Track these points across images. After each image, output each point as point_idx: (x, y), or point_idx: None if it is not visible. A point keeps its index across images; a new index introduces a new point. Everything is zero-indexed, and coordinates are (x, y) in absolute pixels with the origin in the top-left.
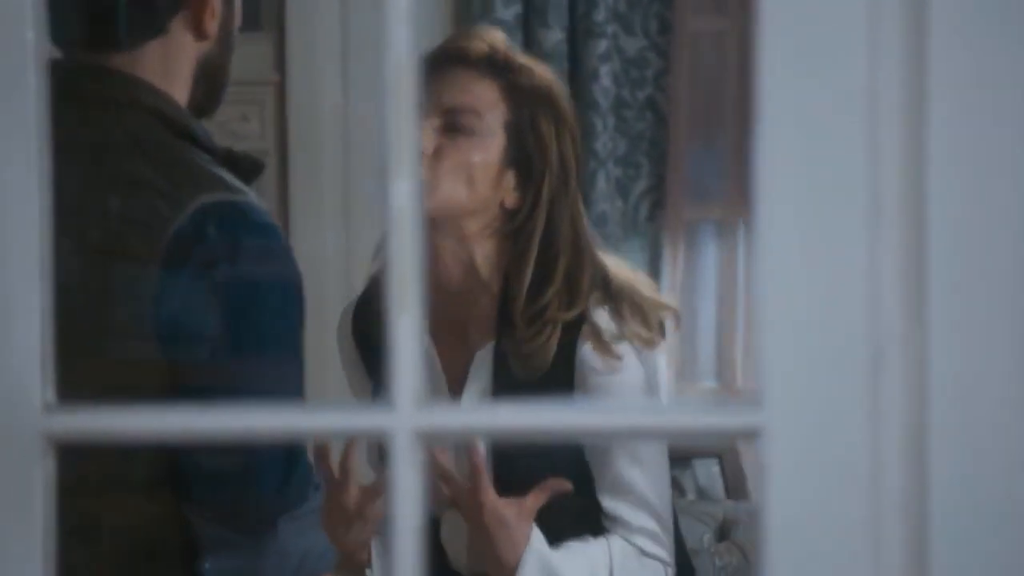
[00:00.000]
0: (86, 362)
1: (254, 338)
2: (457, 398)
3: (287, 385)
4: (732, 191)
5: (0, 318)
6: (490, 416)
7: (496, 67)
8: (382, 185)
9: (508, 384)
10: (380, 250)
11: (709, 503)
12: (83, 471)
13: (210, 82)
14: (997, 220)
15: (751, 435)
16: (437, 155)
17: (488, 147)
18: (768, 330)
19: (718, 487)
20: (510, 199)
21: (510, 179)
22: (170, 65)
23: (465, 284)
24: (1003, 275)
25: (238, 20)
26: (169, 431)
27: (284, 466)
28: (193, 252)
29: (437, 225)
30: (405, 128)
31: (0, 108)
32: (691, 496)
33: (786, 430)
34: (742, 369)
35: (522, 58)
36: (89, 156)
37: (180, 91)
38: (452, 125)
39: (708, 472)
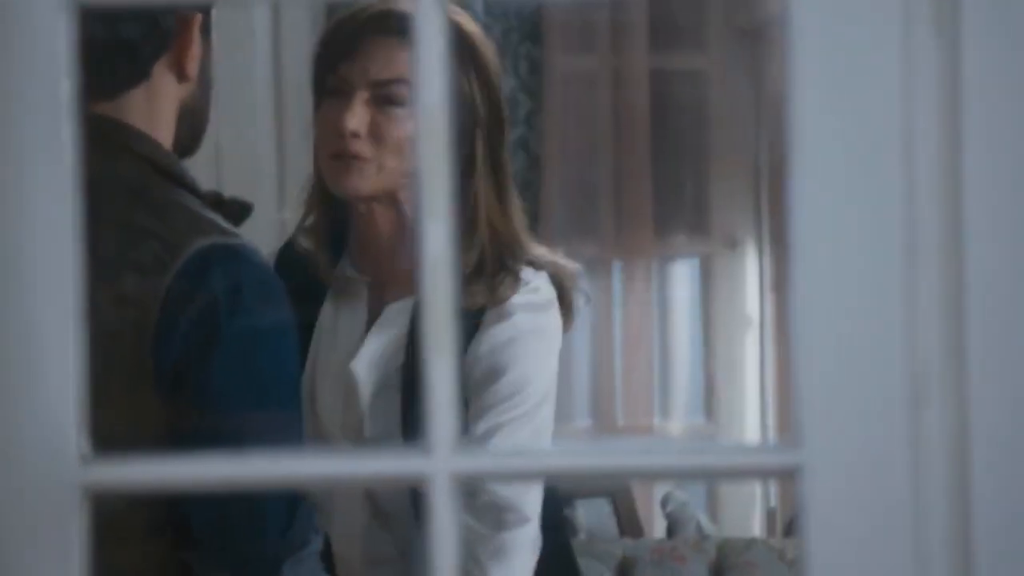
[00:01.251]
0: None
1: (255, 384)
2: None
3: (288, 431)
4: (605, 229)
5: (36, 370)
6: (526, 459)
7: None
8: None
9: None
10: (306, 199)
11: (607, 542)
12: None
13: (192, 123)
14: None
15: (791, 474)
16: (374, 133)
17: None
18: (805, 369)
19: (610, 525)
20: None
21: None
22: (154, 110)
23: (397, 240)
24: None
25: (215, 60)
26: (204, 479)
27: (287, 510)
28: (192, 297)
29: (378, 198)
30: (439, 173)
31: (37, 159)
32: (582, 535)
33: (826, 469)
34: (620, 407)
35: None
36: (86, 205)
37: (165, 135)
38: (384, 98)
39: (599, 511)
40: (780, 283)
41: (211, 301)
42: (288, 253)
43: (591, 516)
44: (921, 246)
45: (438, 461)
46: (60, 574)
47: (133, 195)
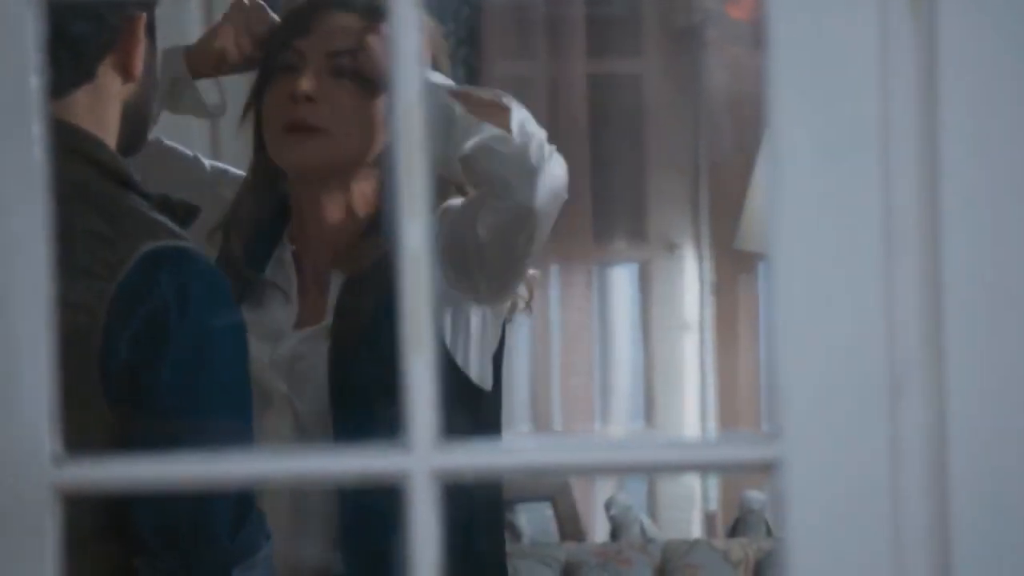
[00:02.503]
0: None
1: (205, 387)
2: (306, 328)
3: (239, 433)
4: None
5: (8, 370)
6: (508, 455)
7: (378, 14)
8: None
9: (352, 312)
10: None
11: (549, 545)
12: None
13: (135, 123)
14: (1013, 246)
15: (769, 467)
16: (328, 100)
17: (374, 89)
18: (785, 362)
19: (551, 528)
20: (387, 136)
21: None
22: (100, 110)
23: (338, 223)
24: (1021, 301)
25: (158, 58)
26: (176, 479)
27: (235, 514)
28: (140, 300)
29: (328, 178)
30: (416, 169)
31: (5, 159)
32: (525, 540)
33: (805, 462)
34: (559, 411)
35: None
36: None
37: (110, 135)
38: (338, 69)
39: (540, 515)
40: (721, 287)
41: (160, 304)
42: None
43: (532, 520)
44: (898, 237)
45: (419, 458)
46: (34, 575)
47: (79, 198)
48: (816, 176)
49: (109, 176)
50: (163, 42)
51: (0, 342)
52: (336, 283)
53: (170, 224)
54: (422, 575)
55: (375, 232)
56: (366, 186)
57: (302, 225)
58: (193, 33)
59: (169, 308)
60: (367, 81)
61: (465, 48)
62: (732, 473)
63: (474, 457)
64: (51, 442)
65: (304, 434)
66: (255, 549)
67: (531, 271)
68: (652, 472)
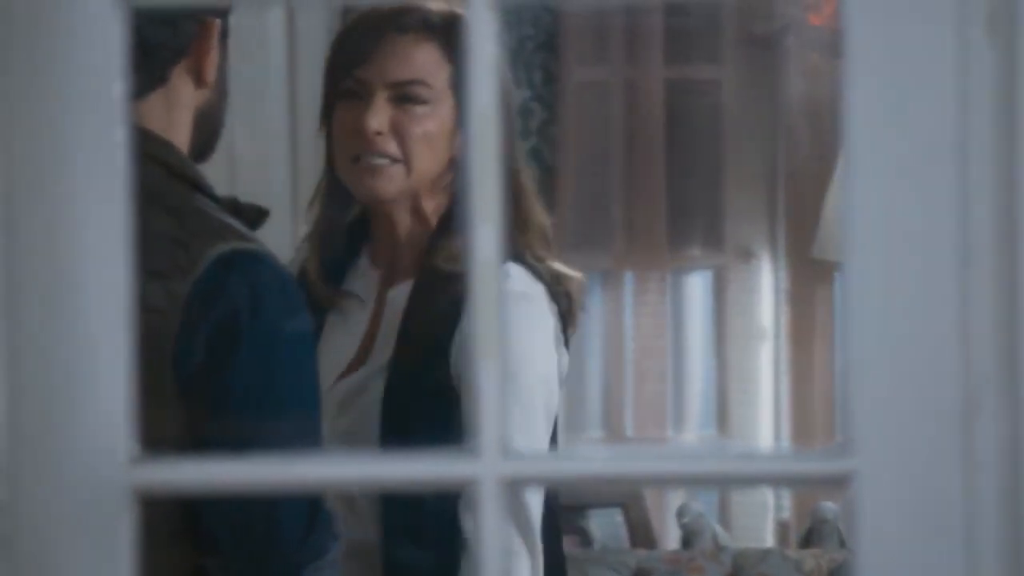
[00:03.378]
0: None
1: (275, 389)
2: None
3: (307, 437)
4: (618, 241)
5: (87, 372)
6: (574, 464)
7: (433, 29)
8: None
9: (421, 316)
10: (313, 202)
11: (620, 552)
12: None
13: (207, 129)
14: None
15: (842, 481)
16: (397, 132)
17: (441, 113)
18: (858, 375)
19: (621, 535)
20: (460, 151)
21: (460, 134)
22: (172, 115)
23: (413, 236)
24: None
25: (231, 66)
26: (250, 482)
27: (307, 516)
28: (213, 302)
29: (401, 200)
30: (489, 176)
31: (88, 162)
32: (595, 545)
33: (878, 476)
34: (631, 417)
35: (453, 9)
36: None
37: (181, 140)
38: (403, 96)
39: (611, 521)
40: (796, 295)
41: (232, 307)
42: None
43: (603, 526)
44: (975, 252)
45: (486, 465)
46: (109, 574)
47: (151, 200)
48: (892, 190)
49: (179, 179)
50: (244, 53)
51: (79, 343)
52: (395, 295)
53: (240, 227)
54: None
55: (446, 236)
56: (442, 197)
57: (377, 238)
58: (275, 45)
59: (240, 311)
60: (432, 105)
61: (544, 53)
62: (805, 487)
63: (541, 465)
64: (128, 443)
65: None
66: (325, 551)
67: (577, 276)
68: (721, 485)
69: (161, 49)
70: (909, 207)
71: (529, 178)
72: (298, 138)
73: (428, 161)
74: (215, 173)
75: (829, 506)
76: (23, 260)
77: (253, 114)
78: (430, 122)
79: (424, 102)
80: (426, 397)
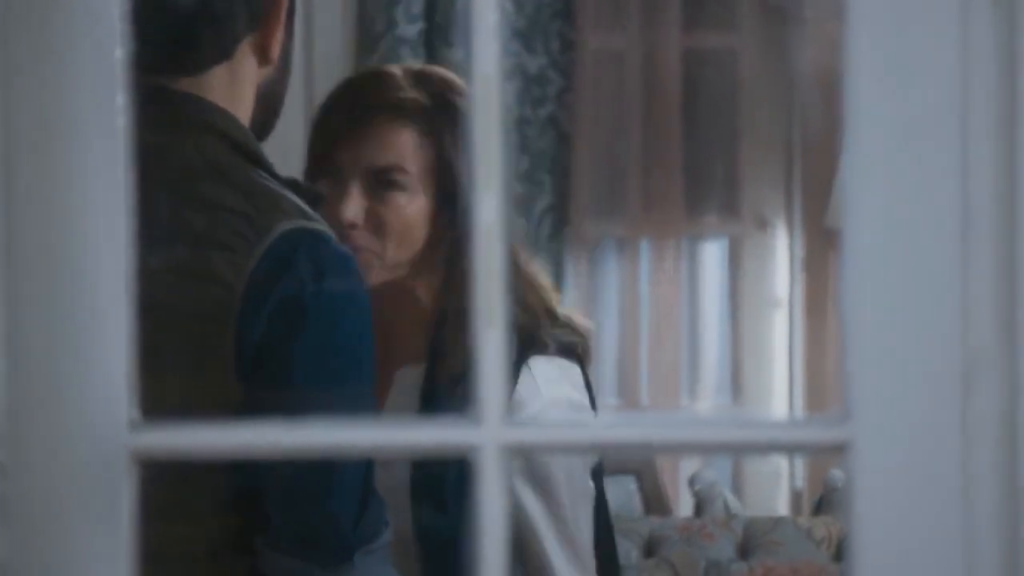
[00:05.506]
0: (162, 382)
1: (333, 367)
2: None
3: (363, 412)
4: (634, 208)
5: (88, 337)
6: (576, 432)
7: (409, 113)
8: (470, 200)
9: (432, 403)
10: None
11: (633, 520)
12: (150, 495)
13: (268, 107)
14: None
15: (839, 449)
16: (373, 223)
17: (419, 196)
18: (857, 345)
19: (635, 503)
20: (445, 227)
21: (443, 211)
22: (235, 90)
23: (404, 313)
24: None
25: (295, 45)
26: (252, 447)
27: (361, 498)
28: (278, 278)
29: (384, 288)
30: (492, 143)
31: (89, 127)
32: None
33: (875, 445)
34: (646, 385)
35: (425, 87)
36: (169, 179)
37: (243, 116)
38: (380, 184)
39: (625, 488)
40: (811, 264)
41: (297, 284)
42: None
43: (617, 494)
44: (975, 223)
45: (488, 432)
46: (110, 538)
47: (215, 172)
48: (893, 160)
49: (241, 154)
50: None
51: (81, 308)
52: (403, 380)
53: (304, 206)
54: (489, 548)
55: (449, 327)
56: (432, 279)
57: None
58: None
59: (304, 289)
60: (410, 191)
61: (560, 20)
62: (804, 454)
63: (542, 433)
64: (129, 407)
65: None
66: (376, 535)
67: (588, 324)
68: (718, 452)
69: (229, 23)
70: (910, 177)
71: (528, 261)
72: None
73: (405, 250)
74: None
75: (840, 474)
76: (25, 226)
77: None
78: (408, 210)
79: (401, 189)
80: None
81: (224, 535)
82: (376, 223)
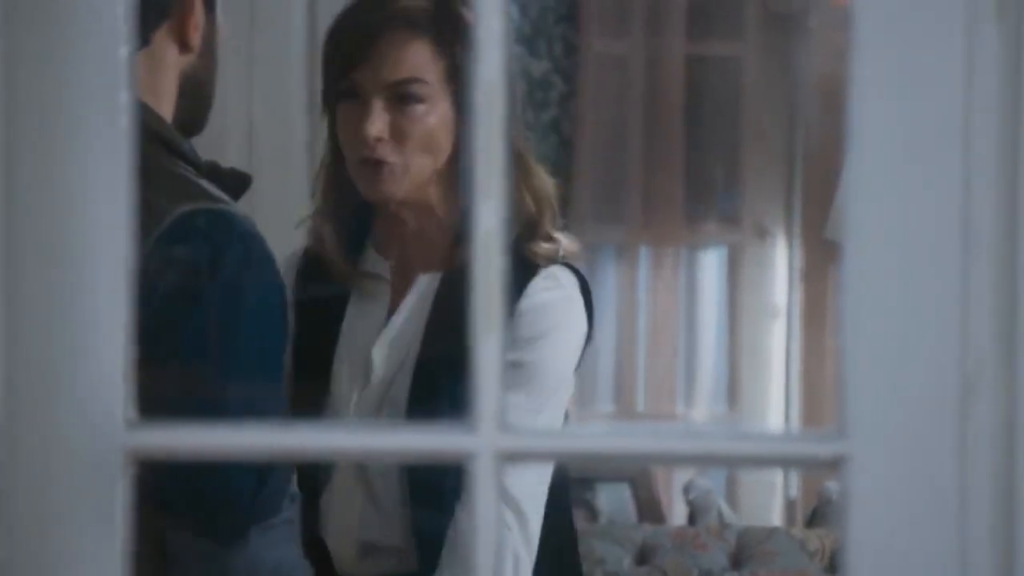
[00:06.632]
0: None
1: (236, 351)
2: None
3: (269, 401)
4: (634, 215)
5: (86, 336)
6: (570, 440)
7: (421, 25)
8: (469, 205)
9: (449, 309)
10: (315, 189)
11: (626, 527)
12: None
13: (195, 98)
14: None
15: (836, 464)
16: (396, 135)
17: (439, 106)
18: (854, 358)
19: (629, 510)
20: (463, 141)
21: (462, 122)
22: (154, 78)
23: (422, 223)
24: None
25: (222, 35)
26: (248, 447)
27: (257, 473)
28: (172, 261)
29: (407, 198)
30: (494, 150)
31: (92, 125)
32: (602, 520)
33: (871, 460)
34: (642, 392)
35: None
36: None
37: (166, 106)
38: (400, 97)
39: (619, 495)
40: (810, 274)
41: (192, 266)
42: (307, 258)
43: (611, 500)
44: (976, 236)
45: (483, 439)
46: (104, 536)
47: None
48: (895, 172)
49: (154, 141)
50: (265, 20)
51: (79, 306)
52: (420, 286)
53: (212, 189)
54: (482, 554)
55: (464, 241)
56: (450, 188)
57: (387, 230)
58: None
59: (200, 270)
60: (430, 102)
61: (564, 25)
62: (799, 468)
63: (537, 441)
64: (124, 406)
65: (385, 416)
66: (276, 509)
67: (581, 250)
68: (711, 464)
69: (142, 10)
70: (912, 189)
71: (528, 150)
72: (318, 107)
73: (431, 159)
74: (233, 140)
75: (835, 486)
76: (25, 222)
77: (273, 82)
78: (430, 119)
79: (421, 100)
80: (453, 390)
81: (143, 525)
82: (400, 136)
